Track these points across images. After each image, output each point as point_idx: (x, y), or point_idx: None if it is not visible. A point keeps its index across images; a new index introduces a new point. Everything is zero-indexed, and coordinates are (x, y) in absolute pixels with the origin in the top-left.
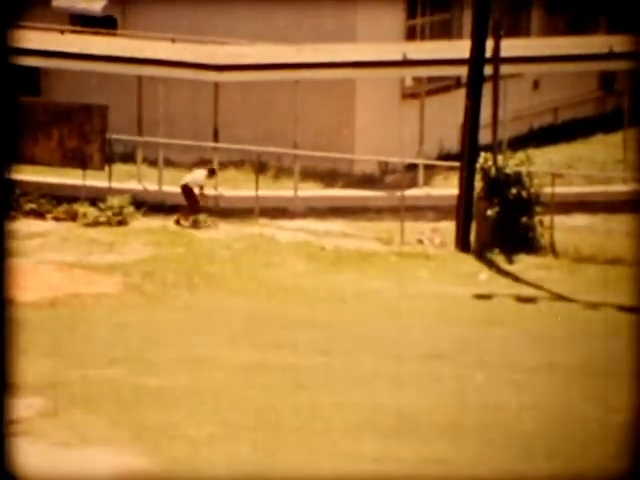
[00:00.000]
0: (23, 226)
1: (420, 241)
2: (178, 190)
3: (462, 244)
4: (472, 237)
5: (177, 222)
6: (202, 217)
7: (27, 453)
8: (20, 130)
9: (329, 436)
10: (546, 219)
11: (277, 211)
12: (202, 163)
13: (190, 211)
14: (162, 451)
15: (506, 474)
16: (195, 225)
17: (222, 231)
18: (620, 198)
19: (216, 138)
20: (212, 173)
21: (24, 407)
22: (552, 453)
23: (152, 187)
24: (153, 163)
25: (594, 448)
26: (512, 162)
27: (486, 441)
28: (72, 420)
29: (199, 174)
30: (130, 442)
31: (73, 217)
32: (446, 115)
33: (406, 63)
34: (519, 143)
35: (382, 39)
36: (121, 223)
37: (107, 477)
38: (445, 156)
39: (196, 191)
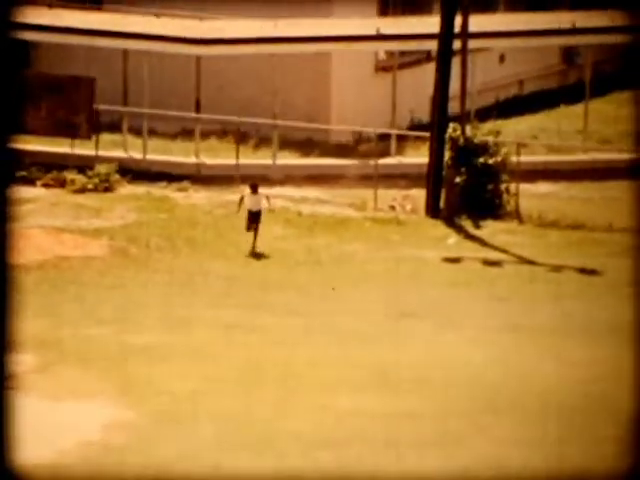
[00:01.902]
0: (14, 192)
1: (392, 207)
2: (162, 158)
3: (432, 210)
4: (441, 203)
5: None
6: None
7: (19, 407)
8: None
9: (306, 391)
10: (512, 186)
11: (257, 179)
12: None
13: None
14: (148, 405)
15: (473, 425)
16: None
17: (204, 198)
18: (581, 167)
19: (198, 109)
20: (254, 189)
21: (17, 363)
22: (515, 405)
23: (137, 155)
24: (138, 132)
25: (554, 400)
26: (480, 132)
27: (454, 395)
28: (62, 376)
29: (252, 197)
30: (117, 396)
31: (62, 184)
32: (417, 87)
33: (379, 38)
34: (486, 114)
35: (357, 14)
36: (107, 190)
37: (96, 428)
38: (416, 126)
39: (265, 203)
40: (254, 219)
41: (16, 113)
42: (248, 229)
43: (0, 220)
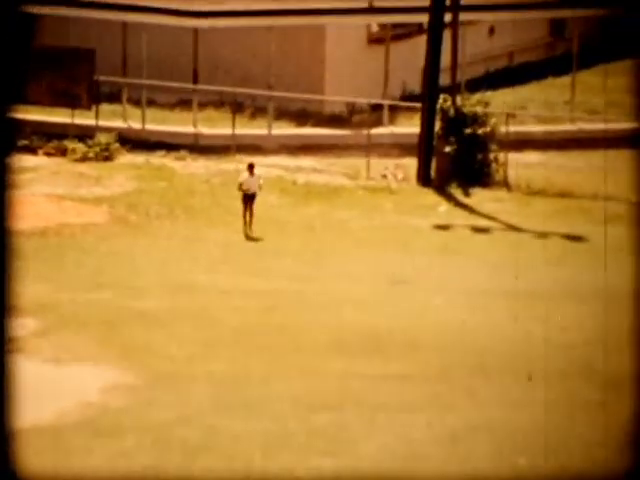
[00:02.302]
0: (16, 161)
1: (384, 176)
2: (161, 128)
3: (423, 179)
4: (432, 172)
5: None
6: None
7: (21, 369)
8: (20, 73)
9: (299, 354)
10: (500, 156)
11: (252, 148)
12: (182, 104)
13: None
14: (146, 368)
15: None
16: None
17: (201, 166)
18: (569, 136)
19: (195, 80)
20: (251, 169)
21: (18, 327)
22: (504, 369)
23: (136, 125)
24: (137, 103)
25: (541, 364)
26: (470, 103)
27: (444, 358)
28: (63, 339)
29: (249, 180)
30: (117, 360)
31: (63, 153)
32: (409, 59)
33: (372, 10)
34: (476, 85)
35: None
36: (107, 158)
37: (95, 391)
38: (408, 97)
39: (261, 182)
40: (249, 201)
41: (18, 84)
42: (244, 215)
43: (0, 187)
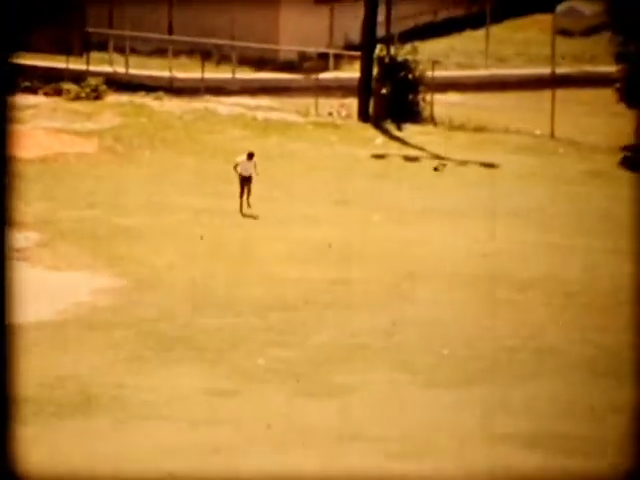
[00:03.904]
0: (20, 100)
1: (330, 113)
2: (142, 72)
3: (363, 116)
4: (371, 111)
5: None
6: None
7: (27, 275)
8: (18, 21)
9: (260, 263)
10: (427, 96)
11: (218, 90)
12: (158, 52)
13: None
14: (132, 274)
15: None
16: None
17: (175, 105)
18: (483, 80)
19: (170, 32)
20: (250, 157)
21: (23, 239)
22: (431, 274)
23: (121, 70)
24: (121, 51)
25: (462, 269)
26: (402, 52)
27: (382, 266)
28: (60, 250)
29: (246, 163)
30: (106, 267)
31: (59, 93)
32: (350, 15)
33: None
34: (407, 37)
35: None
36: (97, 98)
37: (87, 293)
38: (350, 47)
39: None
40: (245, 183)
41: (21, 32)
42: (241, 195)
43: (1, 121)
